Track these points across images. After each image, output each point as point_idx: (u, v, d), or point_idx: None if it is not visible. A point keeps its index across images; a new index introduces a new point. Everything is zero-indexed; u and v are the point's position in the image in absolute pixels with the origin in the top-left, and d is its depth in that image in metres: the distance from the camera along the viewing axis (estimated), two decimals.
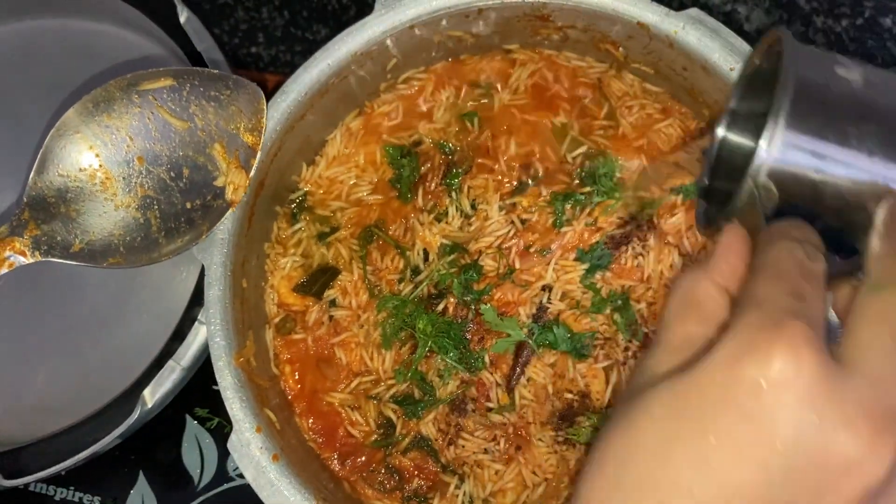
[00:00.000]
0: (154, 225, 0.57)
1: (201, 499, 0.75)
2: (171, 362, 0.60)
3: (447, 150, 0.65)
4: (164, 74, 0.56)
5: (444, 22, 0.61)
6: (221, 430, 0.76)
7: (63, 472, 0.67)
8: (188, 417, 0.76)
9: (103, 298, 0.70)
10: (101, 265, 0.55)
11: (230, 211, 0.57)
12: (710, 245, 0.61)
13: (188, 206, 0.57)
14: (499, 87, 0.67)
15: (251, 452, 0.53)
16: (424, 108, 0.67)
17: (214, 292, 0.56)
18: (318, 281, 0.63)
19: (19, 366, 0.69)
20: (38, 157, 0.55)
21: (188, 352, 0.61)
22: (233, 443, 0.54)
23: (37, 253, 0.54)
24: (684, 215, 0.62)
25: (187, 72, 0.56)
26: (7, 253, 0.53)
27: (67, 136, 0.55)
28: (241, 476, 0.75)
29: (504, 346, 0.61)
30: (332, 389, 0.62)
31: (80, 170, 0.56)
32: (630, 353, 0.61)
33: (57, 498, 0.76)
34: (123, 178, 0.56)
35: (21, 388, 0.68)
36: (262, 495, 0.53)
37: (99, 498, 0.75)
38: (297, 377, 0.63)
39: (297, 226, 0.65)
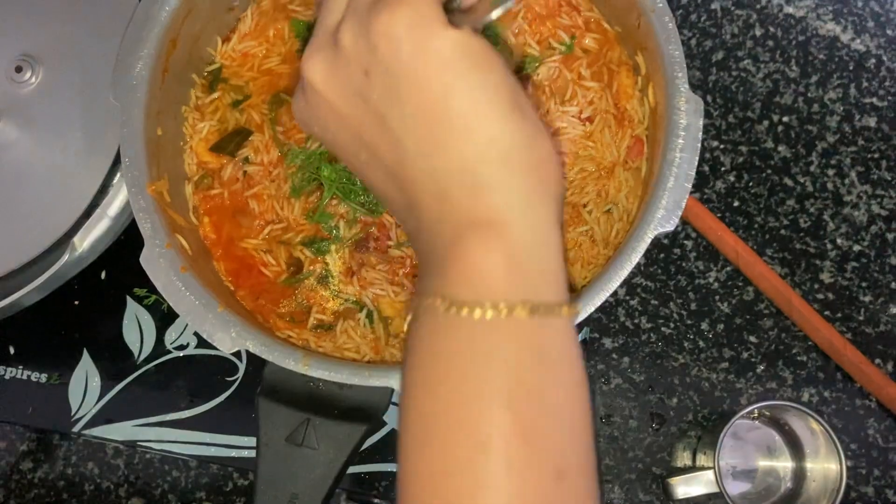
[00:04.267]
0: None
1: (141, 370, 0.80)
2: (98, 211, 0.66)
3: None
4: None
5: None
6: (159, 307, 0.82)
7: (11, 333, 0.72)
8: (129, 298, 0.82)
9: (45, 185, 0.76)
10: None
11: None
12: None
13: None
14: None
15: (161, 265, 0.59)
16: None
17: (129, 131, 0.62)
18: (232, 141, 0.70)
19: None
20: None
21: (114, 202, 0.67)
22: (144, 257, 0.59)
23: None
24: (561, 66, 0.68)
25: None
26: None
27: None
28: (177, 349, 0.81)
29: None
30: (247, 236, 0.68)
31: None
32: None
33: (7, 377, 0.81)
34: None
35: None
36: (171, 301, 0.58)
37: (46, 375, 0.81)
38: (214, 227, 0.69)
39: (214, 95, 0.71)
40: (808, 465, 0.76)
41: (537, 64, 0.68)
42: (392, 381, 0.56)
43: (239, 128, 0.70)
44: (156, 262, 0.59)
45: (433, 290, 0.39)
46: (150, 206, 0.61)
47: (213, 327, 0.57)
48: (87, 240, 0.66)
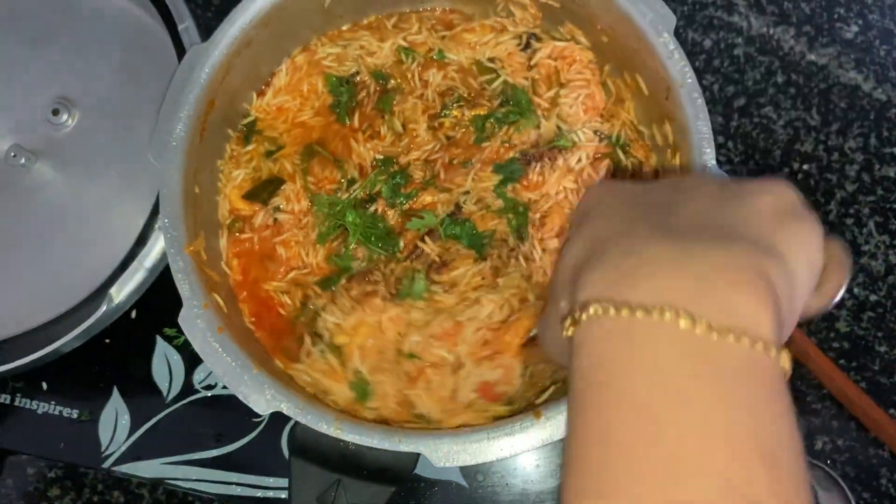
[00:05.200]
0: None
1: (170, 409, 0.82)
2: (134, 263, 0.68)
3: (382, 78, 0.73)
4: None
5: None
6: (188, 347, 0.83)
7: (46, 371, 0.74)
8: (158, 338, 0.84)
9: (79, 227, 0.78)
10: None
11: None
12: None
13: None
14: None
15: (198, 325, 0.61)
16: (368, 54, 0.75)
17: (168, 191, 0.64)
18: (265, 189, 0.71)
19: (7, 282, 0.77)
20: None
21: (150, 255, 0.69)
22: (182, 317, 0.61)
23: None
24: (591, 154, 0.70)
25: None
26: None
27: None
28: (205, 388, 0.83)
29: (417, 224, 0.68)
30: (272, 279, 0.70)
31: None
32: (514, 254, 0.68)
33: (39, 412, 0.83)
34: None
35: (6, 298, 0.76)
36: (208, 362, 0.60)
37: (77, 411, 0.83)
38: (242, 270, 0.70)
39: (249, 147, 0.73)
40: None
41: (570, 145, 0.69)
42: (421, 447, 0.58)
43: (272, 177, 0.72)
44: (193, 322, 0.61)
45: (662, 302, 0.34)
46: (187, 266, 0.62)
47: (248, 389, 0.59)
48: (124, 291, 0.68)
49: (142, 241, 0.69)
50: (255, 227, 0.71)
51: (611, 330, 0.35)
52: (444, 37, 0.74)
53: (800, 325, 0.89)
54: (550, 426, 0.57)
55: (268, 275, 0.70)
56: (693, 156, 0.61)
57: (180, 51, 0.73)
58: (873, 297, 0.90)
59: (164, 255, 0.68)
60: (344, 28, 0.76)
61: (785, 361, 0.35)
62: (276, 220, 0.71)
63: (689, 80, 0.62)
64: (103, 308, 0.67)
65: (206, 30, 0.97)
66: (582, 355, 0.37)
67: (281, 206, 0.71)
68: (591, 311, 0.36)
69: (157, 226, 0.68)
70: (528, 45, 0.73)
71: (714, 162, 0.60)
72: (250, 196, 0.71)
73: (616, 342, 0.35)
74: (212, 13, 1.01)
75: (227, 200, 0.71)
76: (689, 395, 0.32)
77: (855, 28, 0.98)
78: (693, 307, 0.34)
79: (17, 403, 0.83)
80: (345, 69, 0.74)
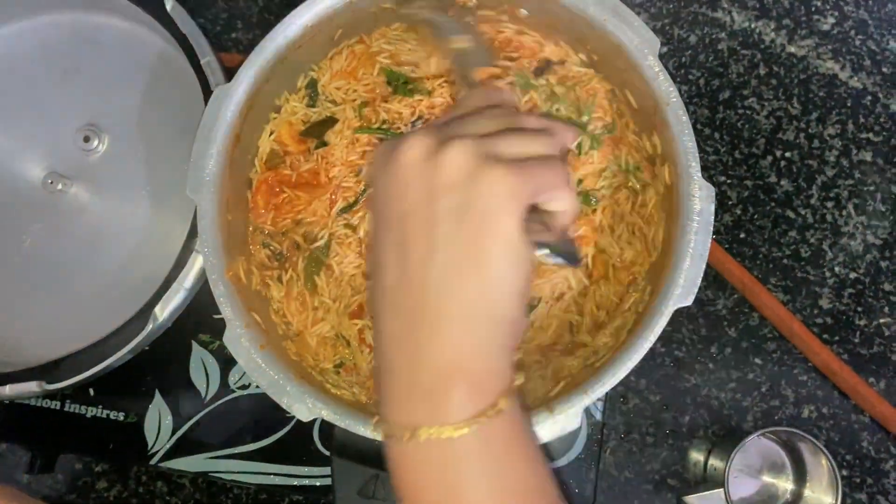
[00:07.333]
0: None
1: (208, 409, 0.90)
2: (175, 285, 0.74)
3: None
4: None
5: None
6: (222, 351, 0.90)
7: (93, 381, 0.81)
8: (194, 343, 0.91)
9: (118, 247, 0.85)
10: None
11: None
12: None
13: None
14: None
15: (242, 343, 0.67)
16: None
17: (205, 223, 0.69)
18: (320, 126, 0.77)
19: (57, 302, 0.83)
20: None
21: (189, 275, 0.75)
22: (227, 337, 0.67)
23: None
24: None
25: None
26: None
27: None
28: (240, 388, 0.90)
29: None
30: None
31: None
32: None
33: (88, 416, 0.91)
34: None
35: (56, 316, 0.83)
36: (252, 376, 0.66)
37: (123, 413, 0.90)
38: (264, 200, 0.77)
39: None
40: (807, 492, 0.86)
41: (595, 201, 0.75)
42: None
43: (326, 117, 0.77)
44: (238, 341, 0.67)
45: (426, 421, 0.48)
46: (228, 290, 0.69)
47: (291, 399, 0.66)
48: (167, 310, 0.74)
49: (180, 263, 0.75)
50: (298, 165, 0.76)
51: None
52: None
53: (784, 303, 0.96)
54: (561, 420, 0.63)
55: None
56: (679, 168, 0.67)
57: (202, 80, 0.78)
58: (853, 275, 0.97)
59: (201, 276, 0.74)
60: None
61: (503, 405, 0.48)
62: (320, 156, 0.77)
63: (675, 99, 0.67)
64: (149, 326, 0.73)
65: (219, 45, 1.03)
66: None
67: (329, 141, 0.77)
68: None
69: (195, 249, 0.74)
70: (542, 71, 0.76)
71: (699, 174, 0.66)
72: (307, 132, 0.76)
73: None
74: (220, 27, 1.07)
75: (269, 140, 0.77)
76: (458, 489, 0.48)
77: (831, 20, 1.03)
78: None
79: (66, 409, 0.90)
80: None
